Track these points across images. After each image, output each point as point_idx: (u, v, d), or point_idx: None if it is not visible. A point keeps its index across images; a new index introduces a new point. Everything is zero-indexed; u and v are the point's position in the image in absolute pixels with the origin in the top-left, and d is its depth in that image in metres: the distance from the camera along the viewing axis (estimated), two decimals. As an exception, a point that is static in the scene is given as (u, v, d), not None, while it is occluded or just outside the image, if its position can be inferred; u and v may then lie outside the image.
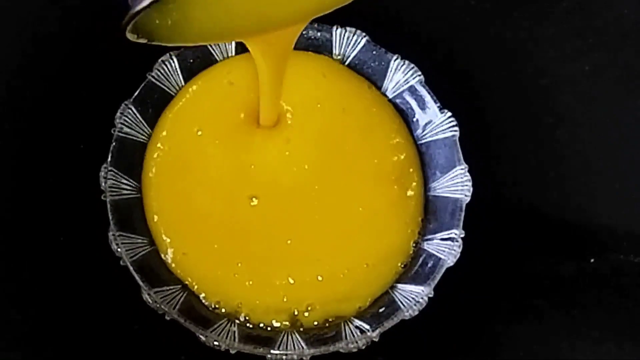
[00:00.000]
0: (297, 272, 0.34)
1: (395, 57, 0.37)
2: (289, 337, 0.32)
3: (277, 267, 0.34)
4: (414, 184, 0.36)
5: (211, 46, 0.37)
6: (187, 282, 0.34)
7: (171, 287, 0.33)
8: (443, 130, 0.36)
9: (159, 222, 0.34)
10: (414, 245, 0.35)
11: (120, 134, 0.35)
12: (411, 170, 0.36)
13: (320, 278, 0.34)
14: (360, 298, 0.34)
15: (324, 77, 0.37)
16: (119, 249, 0.32)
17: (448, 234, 0.34)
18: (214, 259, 0.34)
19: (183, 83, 0.37)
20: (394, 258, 0.35)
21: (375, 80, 0.38)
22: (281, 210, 0.35)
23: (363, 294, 0.34)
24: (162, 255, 0.34)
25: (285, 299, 0.33)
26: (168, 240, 0.34)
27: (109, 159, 0.34)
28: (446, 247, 0.34)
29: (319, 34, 0.38)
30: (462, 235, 0.33)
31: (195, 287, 0.34)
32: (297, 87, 0.37)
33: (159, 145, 0.36)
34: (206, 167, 0.35)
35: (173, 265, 0.34)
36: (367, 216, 0.35)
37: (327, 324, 0.33)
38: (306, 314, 0.33)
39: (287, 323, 0.33)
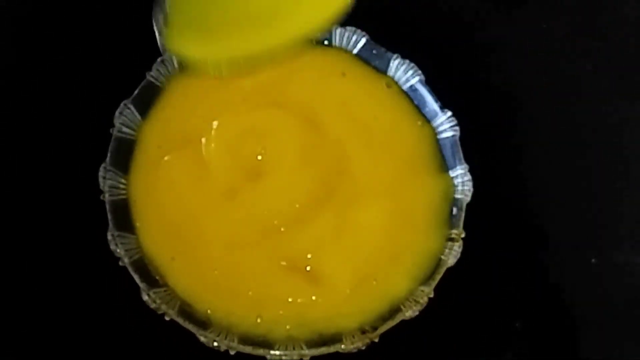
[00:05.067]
0: (294, 287, 0.32)
1: (395, 57, 0.37)
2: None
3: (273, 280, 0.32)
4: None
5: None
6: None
7: (170, 288, 0.33)
8: (444, 129, 0.36)
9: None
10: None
11: (119, 134, 0.34)
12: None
13: (321, 293, 0.32)
14: (364, 314, 0.32)
15: (343, 76, 0.35)
16: (118, 250, 0.32)
17: (449, 234, 0.34)
18: (202, 273, 0.32)
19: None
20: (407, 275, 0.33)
21: (375, 79, 0.38)
22: (283, 219, 0.33)
23: (367, 310, 0.32)
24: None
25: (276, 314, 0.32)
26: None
27: (108, 159, 0.34)
28: (446, 247, 0.34)
29: (318, 33, 0.38)
30: (463, 236, 0.33)
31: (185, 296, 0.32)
32: (316, 86, 0.34)
33: (139, 150, 0.34)
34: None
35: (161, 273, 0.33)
36: (380, 232, 0.33)
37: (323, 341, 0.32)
38: (301, 329, 0.32)
39: (281, 338, 0.32)
